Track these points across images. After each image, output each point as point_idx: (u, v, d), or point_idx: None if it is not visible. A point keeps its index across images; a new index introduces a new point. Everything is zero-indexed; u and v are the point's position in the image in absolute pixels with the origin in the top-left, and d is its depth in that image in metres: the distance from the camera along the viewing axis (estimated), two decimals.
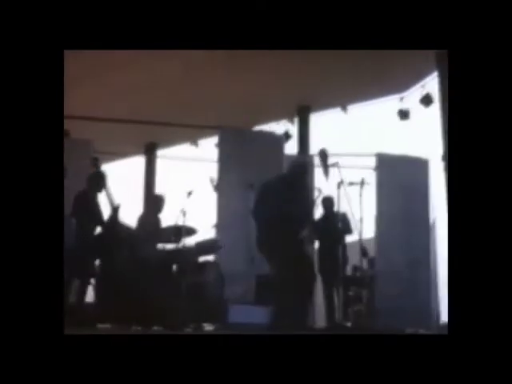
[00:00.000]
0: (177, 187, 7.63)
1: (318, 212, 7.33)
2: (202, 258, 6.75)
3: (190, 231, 6.45)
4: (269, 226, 5.29)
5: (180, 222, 6.33)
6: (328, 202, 7.21)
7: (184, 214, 6.28)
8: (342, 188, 6.25)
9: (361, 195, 6.39)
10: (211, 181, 7.06)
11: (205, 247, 6.68)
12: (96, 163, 6.38)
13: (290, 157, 8.30)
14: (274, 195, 5.36)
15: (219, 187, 7.26)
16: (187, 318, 5.71)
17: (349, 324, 7.07)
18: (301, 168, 5.58)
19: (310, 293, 5.57)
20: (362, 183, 6.40)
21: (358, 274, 8.09)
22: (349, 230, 7.12)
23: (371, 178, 7.11)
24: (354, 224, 6.67)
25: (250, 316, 5.90)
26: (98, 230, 6.21)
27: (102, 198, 6.22)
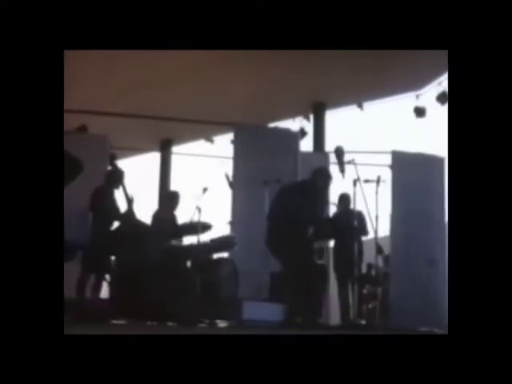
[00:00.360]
0: (192, 183, 7.85)
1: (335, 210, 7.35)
2: (216, 255, 6.75)
3: (205, 228, 6.44)
4: (275, 227, 5.47)
5: (195, 219, 6.34)
6: (344, 200, 7.17)
7: (199, 210, 6.27)
8: (357, 185, 6.20)
9: (377, 193, 6.34)
10: (226, 177, 7.03)
11: (219, 244, 6.64)
12: (113, 159, 6.38)
13: (306, 154, 8.29)
14: (287, 200, 5.52)
15: (234, 184, 7.23)
16: (201, 314, 5.69)
17: (363, 322, 7.02)
18: (320, 179, 5.76)
19: (319, 292, 5.64)
20: (378, 181, 6.34)
21: (372, 272, 8.07)
22: (364, 231, 7.08)
23: (387, 175, 7.06)
24: (369, 222, 6.63)
25: (263, 313, 5.86)
26: (114, 226, 6.23)
27: (118, 195, 6.24)
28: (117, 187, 6.18)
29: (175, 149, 11.68)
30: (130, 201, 6.10)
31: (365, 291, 8.27)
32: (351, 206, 6.63)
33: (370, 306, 8.16)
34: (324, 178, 5.86)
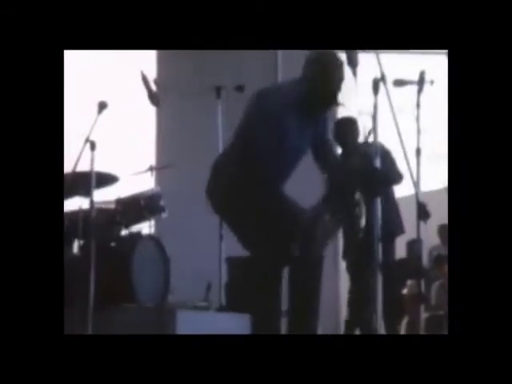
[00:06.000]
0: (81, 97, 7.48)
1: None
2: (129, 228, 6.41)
3: (107, 179, 6.13)
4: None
5: (87, 162, 5.68)
6: (355, 127, 6.90)
7: (92, 145, 5.54)
8: (382, 91, 5.10)
9: (418, 105, 5.32)
10: (144, 81, 6.24)
11: (134, 206, 6.30)
12: None
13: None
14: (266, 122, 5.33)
15: (160, 94, 6.46)
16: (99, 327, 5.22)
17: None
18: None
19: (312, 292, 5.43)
20: (422, 82, 5.32)
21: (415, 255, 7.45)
22: (397, 175, 6.65)
23: (439, 72, 5.90)
24: (404, 163, 5.48)
25: (213, 328, 5.43)
26: None
27: None
28: None
29: None
30: None
31: (405, 291, 8.14)
32: (371, 139, 5.56)
33: (414, 315, 7.41)
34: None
